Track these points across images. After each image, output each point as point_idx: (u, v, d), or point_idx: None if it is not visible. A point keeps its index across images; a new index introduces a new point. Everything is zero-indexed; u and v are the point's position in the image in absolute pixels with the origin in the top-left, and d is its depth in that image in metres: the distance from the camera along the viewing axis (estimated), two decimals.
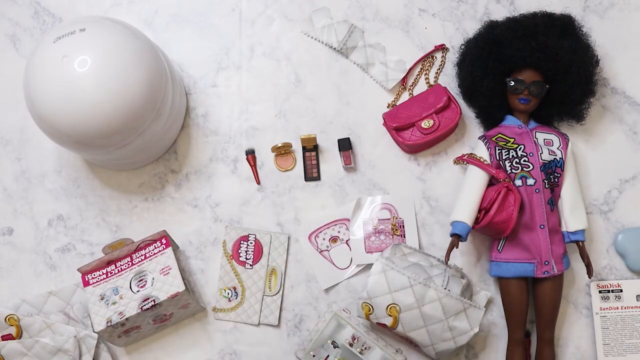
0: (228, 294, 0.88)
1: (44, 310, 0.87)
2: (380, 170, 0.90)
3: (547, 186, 0.81)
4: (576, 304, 0.86)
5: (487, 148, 0.83)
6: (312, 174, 0.91)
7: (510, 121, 0.85)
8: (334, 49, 0.93)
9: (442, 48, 0.92)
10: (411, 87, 0.92)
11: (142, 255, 0.84)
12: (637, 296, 0.84)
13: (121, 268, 0.84)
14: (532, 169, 0.81)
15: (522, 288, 0.82)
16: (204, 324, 0.88)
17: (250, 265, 0.88)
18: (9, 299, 0.88)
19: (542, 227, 0.81)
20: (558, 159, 0.82)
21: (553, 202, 0.82)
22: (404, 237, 0.88)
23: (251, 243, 0.89)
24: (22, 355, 0.82)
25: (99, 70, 0.76)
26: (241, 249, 0.88)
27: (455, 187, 0.87)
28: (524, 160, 0.82)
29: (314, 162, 0.91)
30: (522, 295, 0.81)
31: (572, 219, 0.82)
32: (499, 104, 0.85)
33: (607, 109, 0.90)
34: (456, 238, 0.80)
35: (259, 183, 0.91)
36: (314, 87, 0.93)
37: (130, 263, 0.84)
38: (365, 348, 0.84)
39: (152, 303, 0.80)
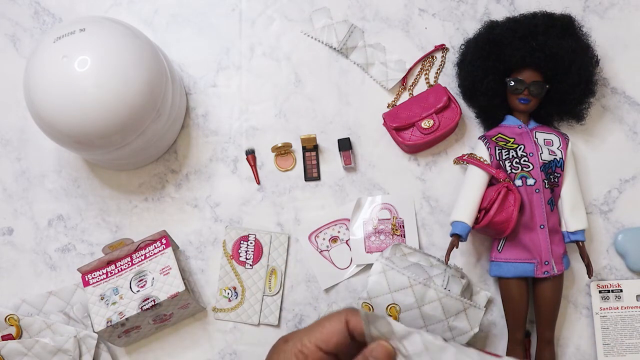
0: (228, 294, 0.88)
1: (44, 310, 0.87)
2: (380, 170, 0.90)
3: (547, 186, 0.81)
4: (576, 304, 0.86)
5: (487, 148, 0.83)
6: (312, 174, 0.91)
7: (510, 121, 0.85)
8: (334, 49, 0.93)
9: (442, 48, 0.92)
10: (411, 87, 0.92)
11: (142, 255, 0.84)
12: (637, 296, 0.84)
13: (121, 268, 0.84)
14: (532, 169, 0.81)
15: (522, 288, 0.82)
16: (204, 324, 0.88)
17: (250, 265, 0.88)
18: (9, 299, 0.88)
19: (542, 227, 0.81)
20: (558, 159, 0.82)
21: (553, 202, 0.82)
22: (404, 237, 0.88)
23: (251, 243, 0.89)
24: (22, 355, 0.82)
25: (99, 70, 0.76)
26: (241, 249, 0.88)
27: (455, 187, 0.87)
28: (524, 160, 0.82)
29: (314, 162, 0.91)
30: (522, 295, 0.81)
31: (572, 219, 0.82)
32: (499, 104, 0.85)
33: (607, 109, 0.90)
34: (456, 238, 0.80)
35: (259, 183, 0.91)
36: (314, 87, 0.93)
37: (130, 263, 0.84)
38: None
39: (152, 303, 0.80)
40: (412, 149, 0.90)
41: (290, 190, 0.91)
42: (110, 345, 0.87)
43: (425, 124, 0.88)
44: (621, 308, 0.84)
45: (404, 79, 0.92)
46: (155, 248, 0.84)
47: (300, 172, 0.91)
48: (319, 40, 0.94)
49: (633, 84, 0.90)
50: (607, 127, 0.90)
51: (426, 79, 0.92)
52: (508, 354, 0.82)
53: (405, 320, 0.79)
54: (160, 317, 0.83)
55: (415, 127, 0.88)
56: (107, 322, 0.80)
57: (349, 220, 0.89)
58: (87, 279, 0.84)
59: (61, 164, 0.93)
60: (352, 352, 0.51)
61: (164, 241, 0.85)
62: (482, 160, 0.83)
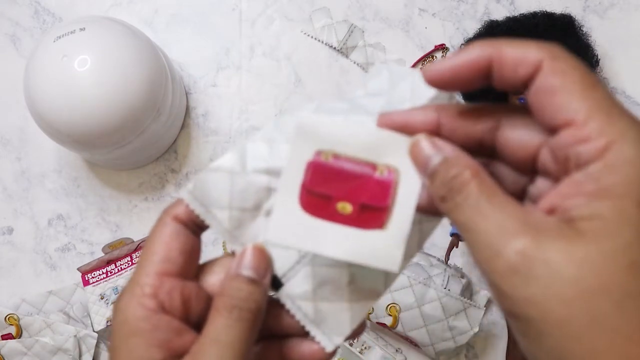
0: None
1: (43, 310, 0.87)
2: None
3: None
4: None
5: None
6: None
7: None
8: (334, 48, 0.93)
9: (442, 48, 0.92)
10: None
11: None
12: None
13: (121, 267, 0.84)
14: None
15: None
16: None
17: None
18: (8, 299, 0.88)
19: None
20: None
21: None
22: None
23: None
24: (22, 354, 0.82)
25: (99, 69, 0.76)
26: None
27: None
28: None
29: None
30: None
31: None
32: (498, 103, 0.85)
33: None
34: (456, 238, 0.80)
35: None
36: (314, 86, 0.93)
37: (130, 262, 0.84)
38: (365, 347, 0.84)
39: None
40: None
41: None
42: None
43: None
44: None
45: None
46: None
47: None
48: (319, 40, 0.94)
49: (633, 84, 0.90)
50: None
51: None
52: (508, 353, 0.82)
53: (405, 320, 0.79)
54: None
55: None
56: (107, 322, 0.80)
57: None
58: (87, 279, 0.84)
59: (61, 163, 0.93)
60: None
61: None
62: None
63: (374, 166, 0.30)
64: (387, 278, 0.33)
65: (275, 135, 0.32)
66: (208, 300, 0.33)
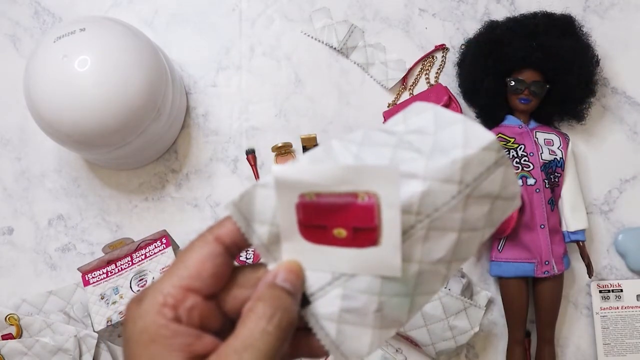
0: None
1: (44, 310, 0.87)
2: None
3: (547, 186, 0.81)
4: (576, 304, 0.86)
5: None
6: None
7: (511, 121, 0.85)
8: (334, 48, 0.93)
9: (442, 48, 0.92)
10: (411, 87, 0.92)
11: (142, 254, 0.84)
12: (638, 296, 0.84)
13: (121, 267, 0.84)
14: (533, 168, 0.81)
15: (522, 288, 0.82)
16: None
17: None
18: (9, 299, 0.88)
19: (542, 226, 0.81)
20: (558, 159, 0.83)
21: (553, 202, 0.82)
22: None
23: None
24: (22, 354, 0.82)
25: (99, 70, 0.76)
26: None
27: None
28: (524, 160, 0.82)
29: None
30: (522, 295, 0.81)
31: (572, 219, 0.82)
32: (499, 103, 0.85)
33: (607, 109, 0.90)
34: None
35: None
36: (314, 87, 0.93)
37: (130, 262, 0.84)
38: None
39: None
40: None
41: None
42: (111, 344, 0.87)
43: None
44: (621, 308, 0.84)
45: (404, 79, 0.92)
46: (156, 247, 0.84)
47: None
48: (319, 40, 0.94)
49: (633, 84, 0.90)
50: (607, 127, 0.90)
51: (426, 78, 0.92)
52: (508, 353, 0.82)
53: None
54: None
55: None
56: (108, 322, 0.80)
57: None
58: (87, 279, 0.84)
59: (61, 163, 0.93)
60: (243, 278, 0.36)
61: (164, 240, 0.85)
62: None
63: (355, 195, 0.33)
64: (411, 308, 0.35)
65: (322, 157, 0.35)
66: (224, 320, 0.34)
